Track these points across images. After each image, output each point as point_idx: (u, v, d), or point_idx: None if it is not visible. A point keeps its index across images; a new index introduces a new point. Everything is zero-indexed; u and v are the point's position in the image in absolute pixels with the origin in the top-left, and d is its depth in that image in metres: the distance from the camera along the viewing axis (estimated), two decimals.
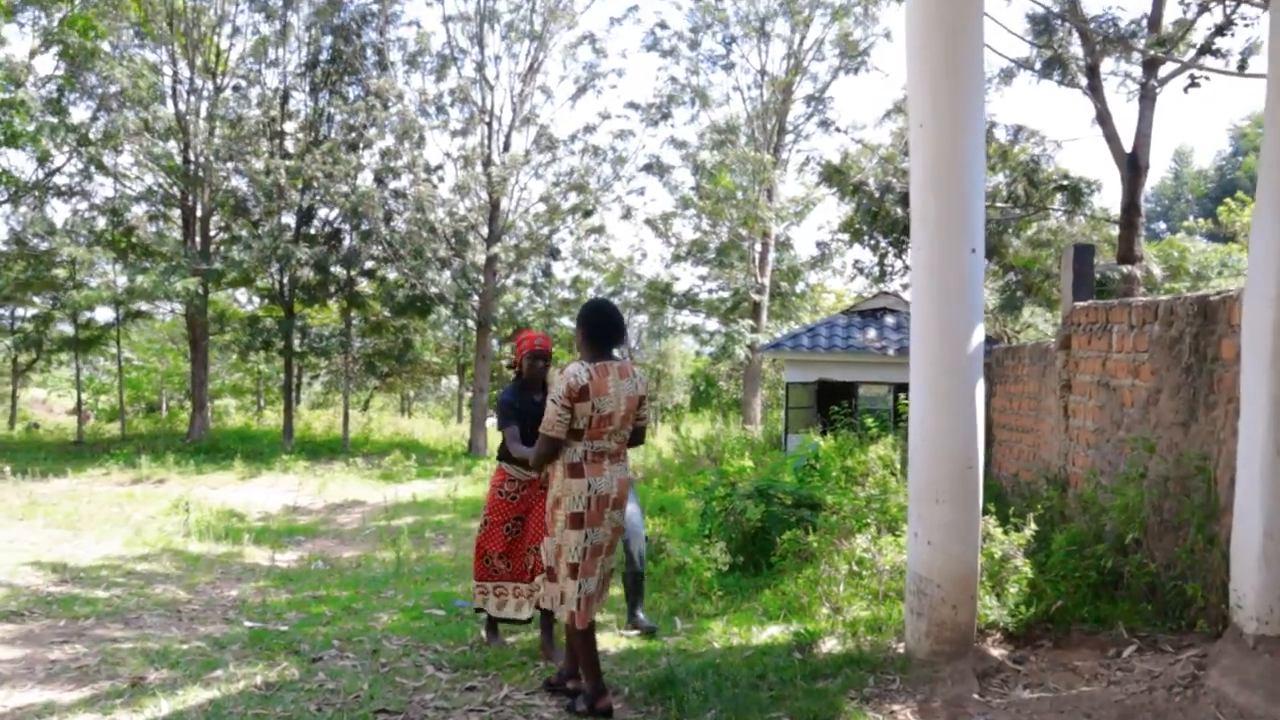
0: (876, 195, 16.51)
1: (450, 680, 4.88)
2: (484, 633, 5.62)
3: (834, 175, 17.88)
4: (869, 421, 12.54)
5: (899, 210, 16.69)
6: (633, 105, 26.43)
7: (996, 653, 4.77)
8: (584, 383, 4.15)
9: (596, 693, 4.31)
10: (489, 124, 24.68)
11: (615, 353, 4.42)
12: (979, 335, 4.62)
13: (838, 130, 15.72)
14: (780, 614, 5.93)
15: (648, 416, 4.44)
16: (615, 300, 26.28)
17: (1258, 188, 4.59)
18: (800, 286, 32.17)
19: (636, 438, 4.52)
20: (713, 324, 31.12)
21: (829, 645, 5.00)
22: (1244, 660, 4.30)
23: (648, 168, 26.35)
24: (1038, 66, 14.65)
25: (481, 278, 24.84)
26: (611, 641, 5.54)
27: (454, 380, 43.38)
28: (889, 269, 32.01)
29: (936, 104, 4.44)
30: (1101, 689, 4.31)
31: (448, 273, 24.32)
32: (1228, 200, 30.99)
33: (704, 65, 26.37)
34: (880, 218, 16.96)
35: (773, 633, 5.55)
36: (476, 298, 24.76)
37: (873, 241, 31.04)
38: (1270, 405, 4.34)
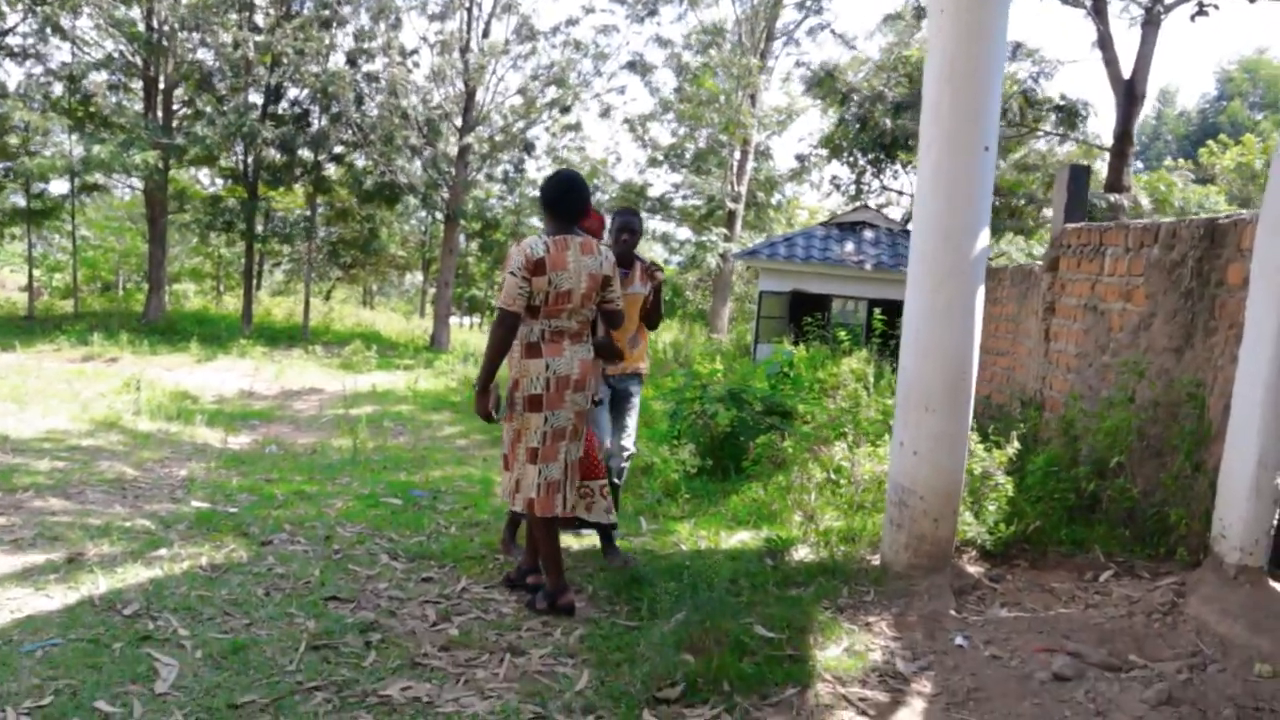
0: (867, 103, 16.00)
1: (405, 570, 4.69)
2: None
3: (825, 81, 17.30)
4: (842, 335, 12.38)
5: (887, 122, 16.26)
6: None
7: (973, 570, 4.64)
8: (540, 255, 3.91)
9: (558, 589, 4.13)
10: (469, 9, 23.66)
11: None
12: (984, 239, 4.37)
13: (833, 33, 15.05)
14: (750, 519, 5.78)
15: (617, 299, 4.16)
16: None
17: None
18: (776, 198, 31.72)
19: (611, 321, 4.24)
20: (683, 233, 30.66)
21: (801, 553, 4.86)
22: (1225, 590, 4.20)
23: (630, 65, 25.54)
24: None
25: (453, 170, 24.12)
26: (573, 538, 5.36)
27: (418, 276, 42.75)
28: (865, 187, 31.65)
29: None
30: (1079, 611, 4.21)
31: (418, 162, 23.55)
32: (1210, 143, 30.81)
33: None
34: (869, 128, 16.50)
35: (743, 538, 5.40)
36: (446, 189, 24.07)
37: (851, 159, 30.59)
38: (1277, 333, 4.16)
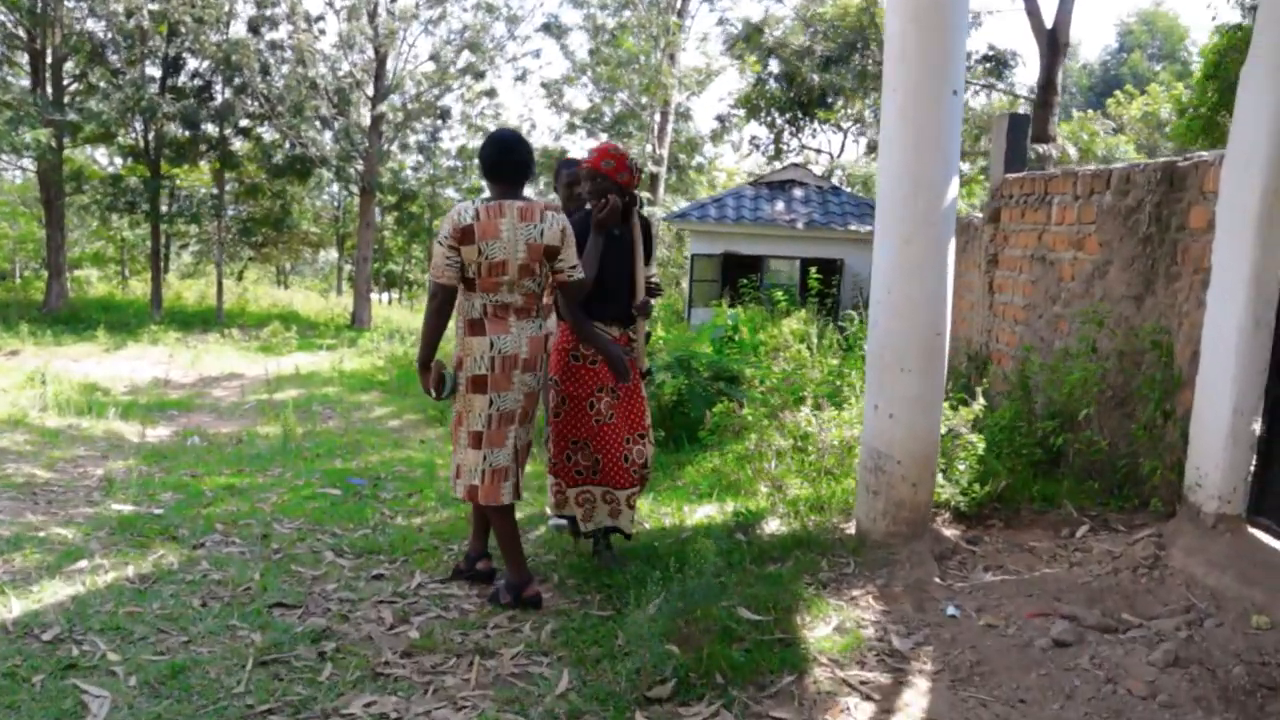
0: (795, 59, 15.77)
1: (354, 568, 4.36)
2: (571, 534, 4.56)
3: (753, 36, 16.98)
4: (778, 295, 12.24)
5: (814, 77, 16.07)
6: None
7: (950, 533, 4.50)
8: (467, 222, 3.59)
9: (522, 580, 3.86)
10: None
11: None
12: (954, 188, 4.18)
13: None
14: (712, 492, 5.57)
15: (564, 270, 3.79)
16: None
17: (1252, 44, 4.21)
18: (698, 160, 31.47)
19: (567, 294, 3.91)
20: None
21: (772, 525, 4.66)
22: (1206, 540, 4.12)
23: (545, 28, 24.92)
24: None
25: (366, 140, 23.29)
26: (529, 523, 5.09)
27: (333, 253, 41.57)
28: (785, 147, 31.64)
29: None
30: (1064, 570, 4.09)
31: (329, 133, 22.67)
32: (1117, 93, 31.52)
33: None
34: (795, 84, 16.28)
35: (708, 512, 5.19)
36: (360, 161, 23.25)
37: (769, 118, 30.54)
38: (1251, 276, 4.06)
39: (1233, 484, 4.18)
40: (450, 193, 30.94)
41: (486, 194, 3.82)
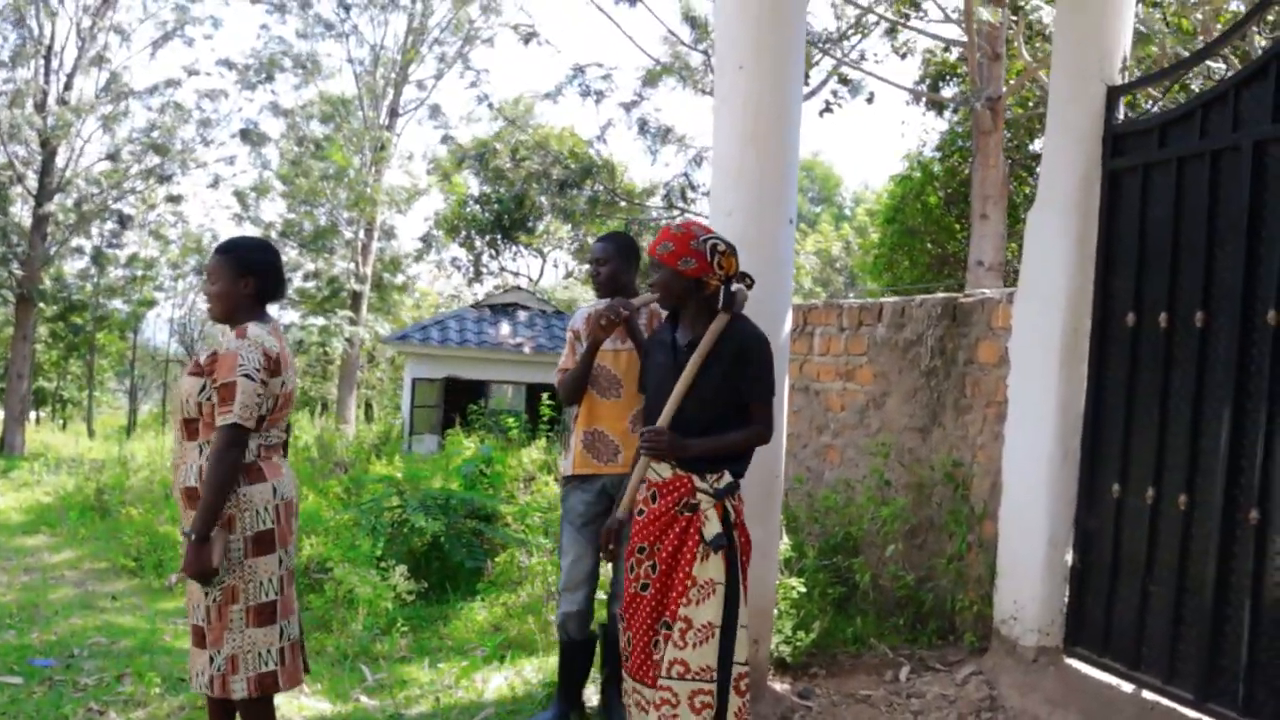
0: (530, 181, 15.70)
1: None
2: None
3: (488, 158, 16.74)
4: (510, 422, 11.77)
5: (544, 200, 16.10)
6: (227, 63, 23.35)
7: (779, 688, 4.14)
8: (276, 350, 2.98)
9: None
10: (47, 59, 20.40)
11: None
12: (789, 322, 3.98)
13: (489, 105, 14.51)
14: (500, 655, 4.87)
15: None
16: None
17: (1040, 190, 4.44)
18: (400, 279, 30.59)
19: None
20: (288, 315, 28.49)
21: (588, 695, 4.06)
22: (1034, 675, 4.07)
23: (243, 134, 23.41)
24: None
25: (25, 243, 20.44)
26: (291, 707, 4.15)
27: None
28: (485, 269, 31.71)
29: (760, 42, 3.73)
30: None
31: None
32: None
33: (317, 30, 23.99)
34: (529, 208, 16.22)
35: (505, 680, 4.49)
36: (18, 264, 20.30)
37: (468, 240, 30.55)
38: (1058, 409, 4.17)
39: (1050, 616, 4.19)
40: (117, 304, 27.92)
41: (247, 320, 3.06)
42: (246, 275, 3.04)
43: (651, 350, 3.27)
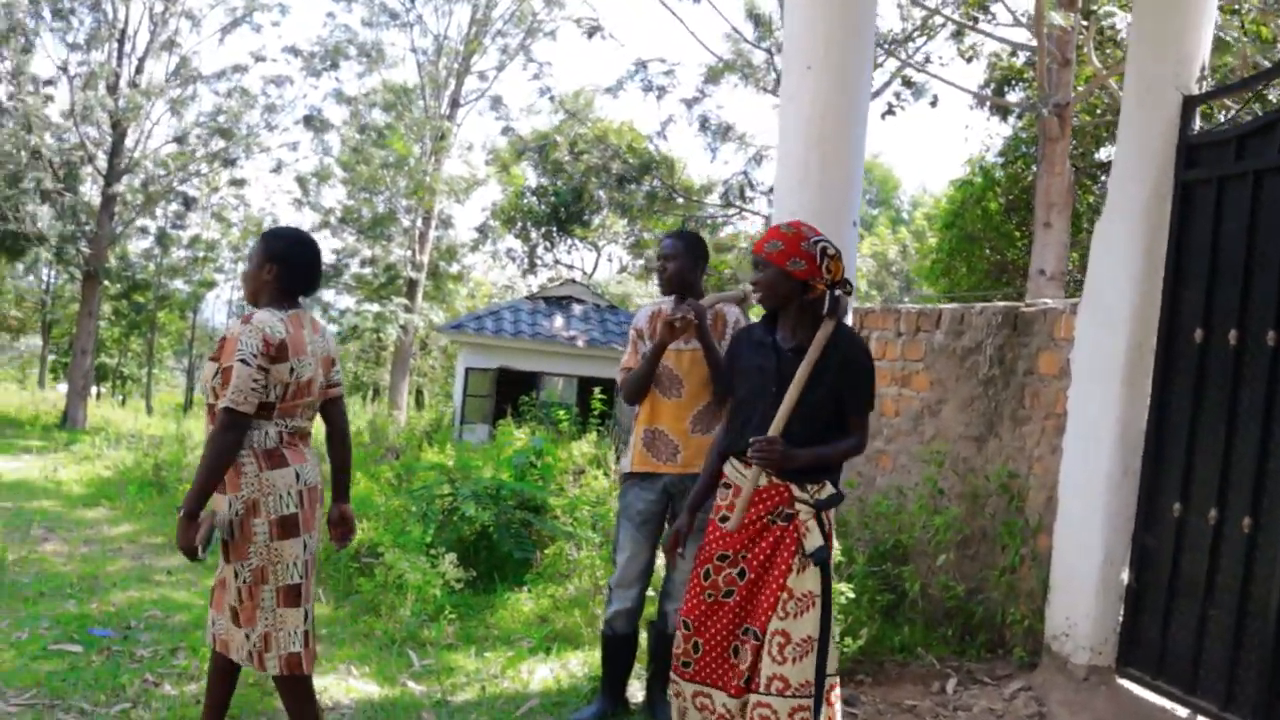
0: (590, 175, 15.78)
1: None
2: None
3: (549, 149, 16.84)
4: (561, 415, 11.82)
5: (602, 195, 16.16)
6: (293, 50, 23.71)
7: None
8: (281, 336, 3.01)
9: None
10: (120, 42, 20.89)
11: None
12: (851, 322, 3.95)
13: (550, 98, 14.68)
14: (547, 646, 4.91)
15: (340, 383, 3.37)
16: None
17: (1109, 201, 4.37)
18: (456, 268, 30.90)
19: (335, 412, 3.37)
20: (343, 301, 28.91)
21: (632, 690, 4.08)
22: (1084, 694, 4.00)
23: (307, 120, 23.77)
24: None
25: (94, 222, 20.96)
26: (340, 689, 4.23)
27: (35, 340, 37.12)
28: (540, 261, 31.87)
29: (829, 43, 3.71)
30: None
31: (49, 209, 20.15)
32: None
33: (382, 19, 24.32)
34: (587, 202, 16.30)
35: (551, 672, 4.52)
36: (86, 243, 20.84)
37: (523, 231, 30.75)
38: (1119, 425, 4.09)
39: (1103, 634, 4.12)
40: (179, 284, 28.55)
41: (267, 305, 3.14)
42: (270, 262, 3.13)
43: (743, 351, 3.13)
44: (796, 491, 2.89)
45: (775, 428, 2.85)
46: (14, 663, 4.39)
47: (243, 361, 2.92)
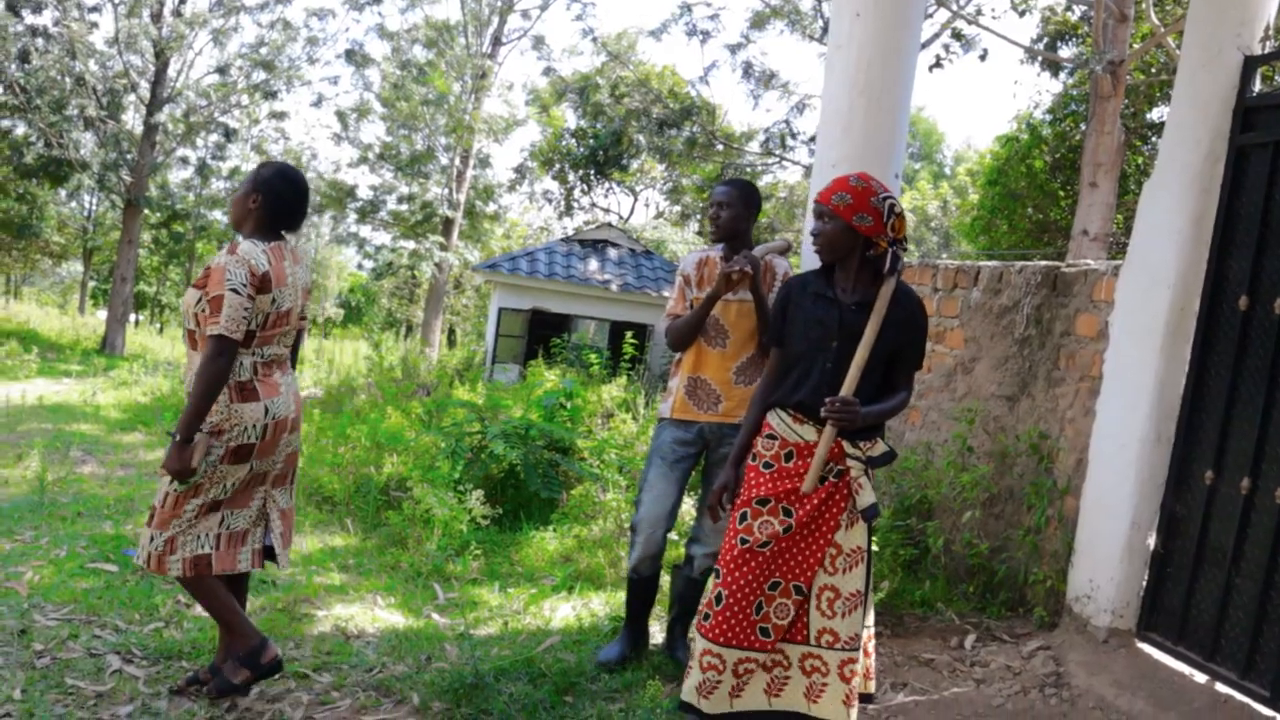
0: (629, 119, 15.62)
1: (149, 679, 3.47)
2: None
3: (590, 91, 16.69)
4: (593, 358, 11.86)
5: (642, 139, 16.02)
6: None
7: None
8: (265, 268, 3.09)
9: (256, 647, 3.21)
10: None
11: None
12: None
13: (593, 39, 14.46)
14: (570, 585, 4.99)
15: (307, 316, 3.46)
16: None
17: (1158, 164, 4.27)
18: (492, 208, 30.86)
19: (295, 344, 3.45)
20: (380, 237, 29.01)
21: (658, 635, 4.15)
22: (1104, 656, 4.01)
23: (348, 55, 23.68)
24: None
25: (136, 150, 21.11)
26: (366, 618, 4.33)
27: (76, 266, 37.68)
28: (576, 204, 31.72)
29: None
30: (973, 690, 3.84)
31: (93, 136, 20.32)
32: None
33: None
34: (626, 146, 16.17)
35: (573, 610, 4.60)
36: (128, 171, 21.02)
37: (561, 173, 30.58)
38: (1156, 390, 4.04)
39: (1126, 598, 4.12)
40: (218, 214, 28.76)
41: (250, 235, 3.21)
42: (257, 192, 3.22)
43: (800, 301, 2.98)
44: (848, 448, 2.83)
45: (848, 388, 2.76)
46: (53, 578, 4.54)
47: (234, 291, 2.99)
